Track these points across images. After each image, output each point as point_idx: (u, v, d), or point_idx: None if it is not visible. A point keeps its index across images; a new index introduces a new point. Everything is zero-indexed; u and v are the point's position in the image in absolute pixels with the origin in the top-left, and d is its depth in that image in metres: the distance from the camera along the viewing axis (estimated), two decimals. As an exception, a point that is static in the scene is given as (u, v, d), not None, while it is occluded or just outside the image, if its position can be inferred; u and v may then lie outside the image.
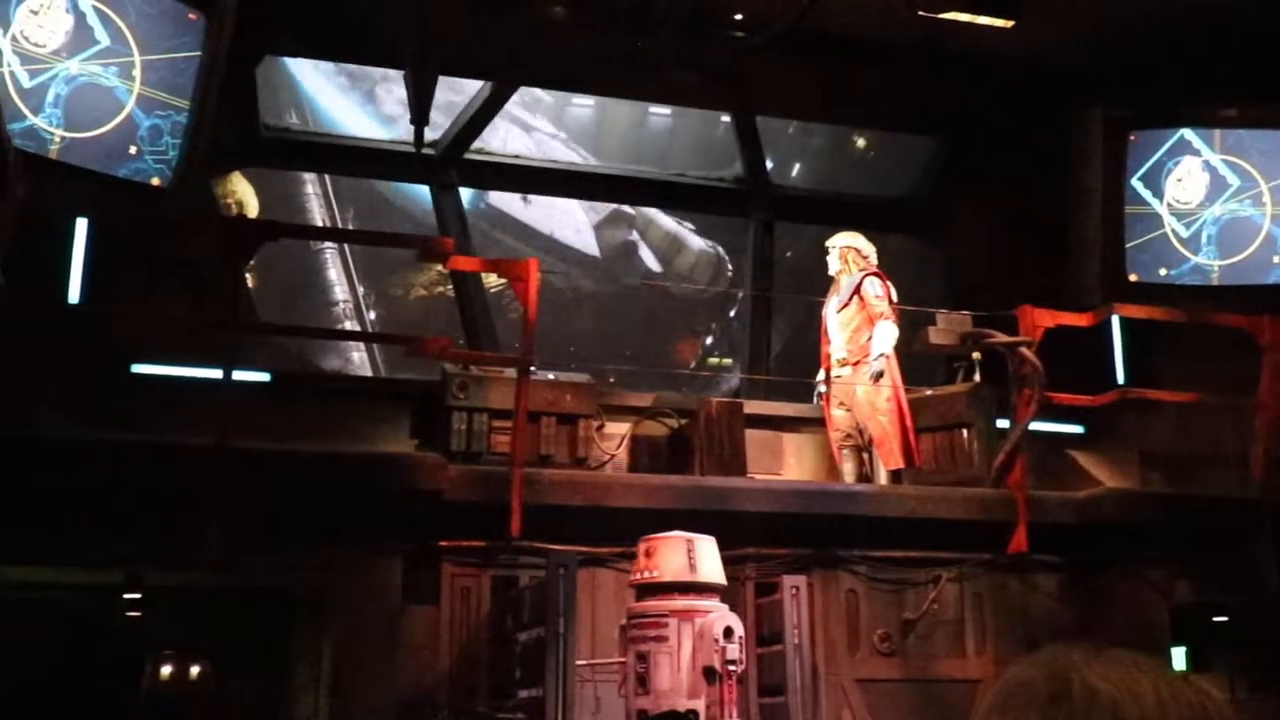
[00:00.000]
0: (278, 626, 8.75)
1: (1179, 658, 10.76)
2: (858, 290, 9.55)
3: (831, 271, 9.88)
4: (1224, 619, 10.78)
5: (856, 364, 9.46)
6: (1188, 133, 10.99)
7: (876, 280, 9.56)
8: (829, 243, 9.97)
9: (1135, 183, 10.91)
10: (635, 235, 18.81)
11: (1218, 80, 10.55)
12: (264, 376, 8.70)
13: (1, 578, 7.77)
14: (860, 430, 9.41)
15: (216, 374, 7.30)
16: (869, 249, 9.84)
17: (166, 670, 10.14)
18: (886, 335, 9.39)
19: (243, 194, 10.60)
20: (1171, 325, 9.96)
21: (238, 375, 7.48)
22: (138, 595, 8.38)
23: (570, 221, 18.42)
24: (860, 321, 9.55)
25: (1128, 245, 10.87)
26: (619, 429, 9.36)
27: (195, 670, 10.24)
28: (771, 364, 11.93)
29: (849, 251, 9.77)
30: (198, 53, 8.51)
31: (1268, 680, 11.09)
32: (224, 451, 6.85)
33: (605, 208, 17.40)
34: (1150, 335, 10.59)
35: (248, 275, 11.25)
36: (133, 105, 8.37)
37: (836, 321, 9.72)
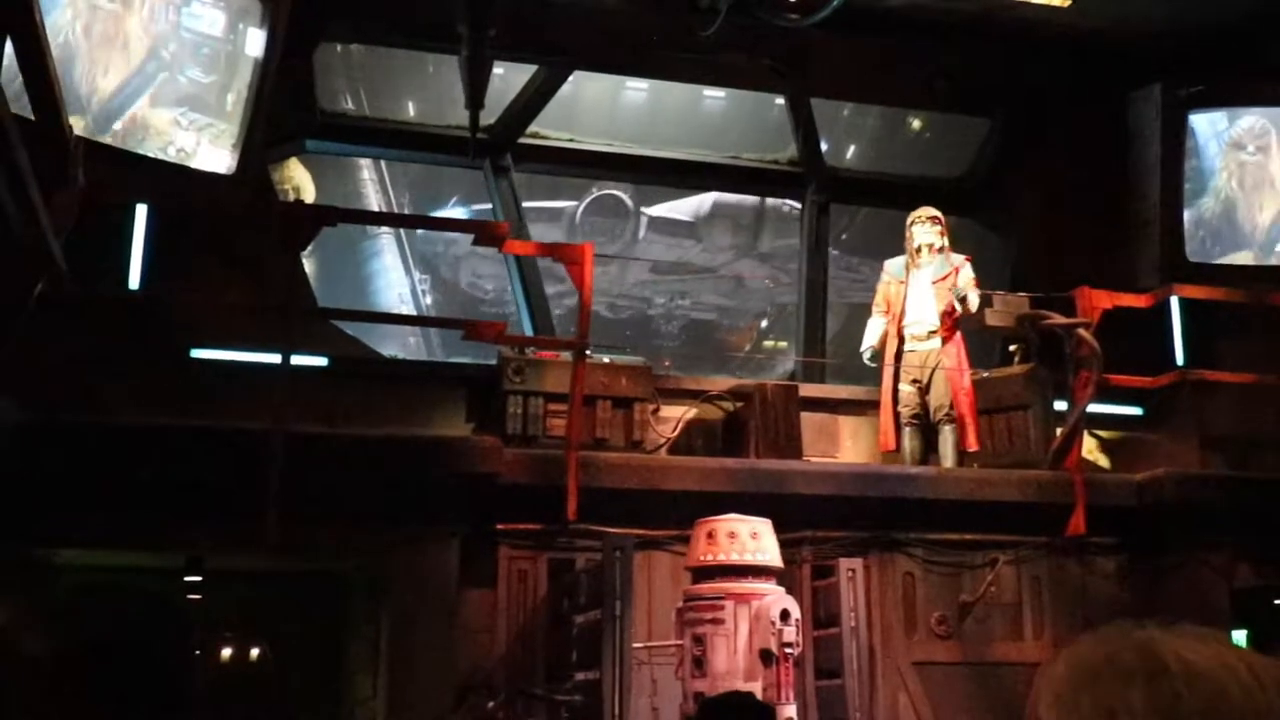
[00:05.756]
0: (336, 609, 8.86)
1: (1240, 641, 10.64)
2: (956, 271, 9.51)
3: (920, 242, 9.66)
4: (1287, 602, 10.64)
5: (945, 339, 9.38)
6: (1247, 112, 10.82)
7: (969, 265, 9.59)
8: (923, 212, 9.77)
9: (1194, 163, 10.75)
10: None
11: (1276, 57, 10.37)
12: (322, 361, 8.78)
13: (64, 561, 7.89)
14: (928, 409, 9.35)
15: (275, 359, 7.38)
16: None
17: (226, 652, 10.28)
18: (974, 305, 9.41)
19: (300, 180, 10.69)
20: (1231, 306, 9.84)
21: (296, 360, 7.56)
22: (199, 578, 8.50)
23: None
24: (950, 299, 9.49)
25: (1186, 226, 10.72)
26: (674, 412, 9.38)
27: (255, 652, 10.38)
28: (827, 346, 11.88)
29: (941, 226, 9.71)
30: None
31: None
32: (282, 435, 6.93)
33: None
34: (1210, 316, 10.44)
35: (305, 261, 11.37)
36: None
37: (930, 292, 9.56)
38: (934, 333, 9.48)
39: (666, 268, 20.44)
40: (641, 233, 20.01)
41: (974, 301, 9.38)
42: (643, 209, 19.65)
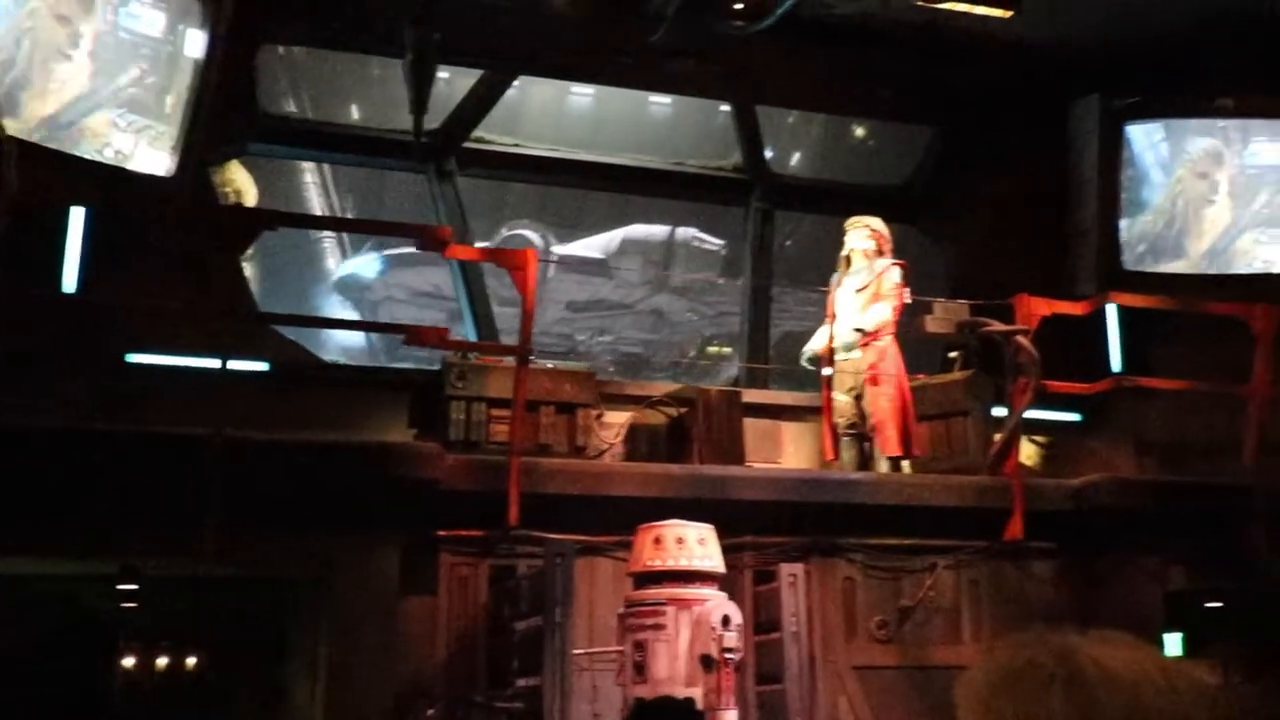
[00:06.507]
0: (275, 616, 8.79)
1: (1173, 643, 10.80)
2: (879, 277, 9.48)
3: (854, 249, 9.65)
4: (1218, 605, 10.81)
5: (865, 345, 9.37)
6: (1183, 123, 11.00)
7: (899, 270, 9.48)
8: (858, 220, 9.73)
9: (1130, 173, 10.92)
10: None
11: (1213, 71, 10.56)
12: (262, 366, 8.71)
13: None
14: (863, 417, 9.38)
15: (214, 363, 7.31)
16: (890, 237, 9.76)
17: (163, 661, 10.18)
18: (878, 316, 9.35)
19: (241, 183, 10.58)
20: (1166, 313, 9.99)
21: (236, 365, 7.48)
22: (135, 586, 8.40)
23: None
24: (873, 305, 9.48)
25: (1126, 236, 10.89)
26: (618, 418, 9.38)
27: (192, 660, 10.28)
28: (771, 353, 11.94)
29: (880, 235, 9.67)
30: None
31: (1261, 665, 11.12)
32: (221, 441, 6.86)
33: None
34: (1145, 323, 10.60)
35: (246, 264, 11.26)
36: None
37: (854, 302, 9.56)
38: (853, 344, 9.45)
39: (582, 305, 20.48)
40: (552, 271, 19.99)
41: (876, 314, 9.33)
42: (553, 247, 19.60)
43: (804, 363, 9.86)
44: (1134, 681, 1.22)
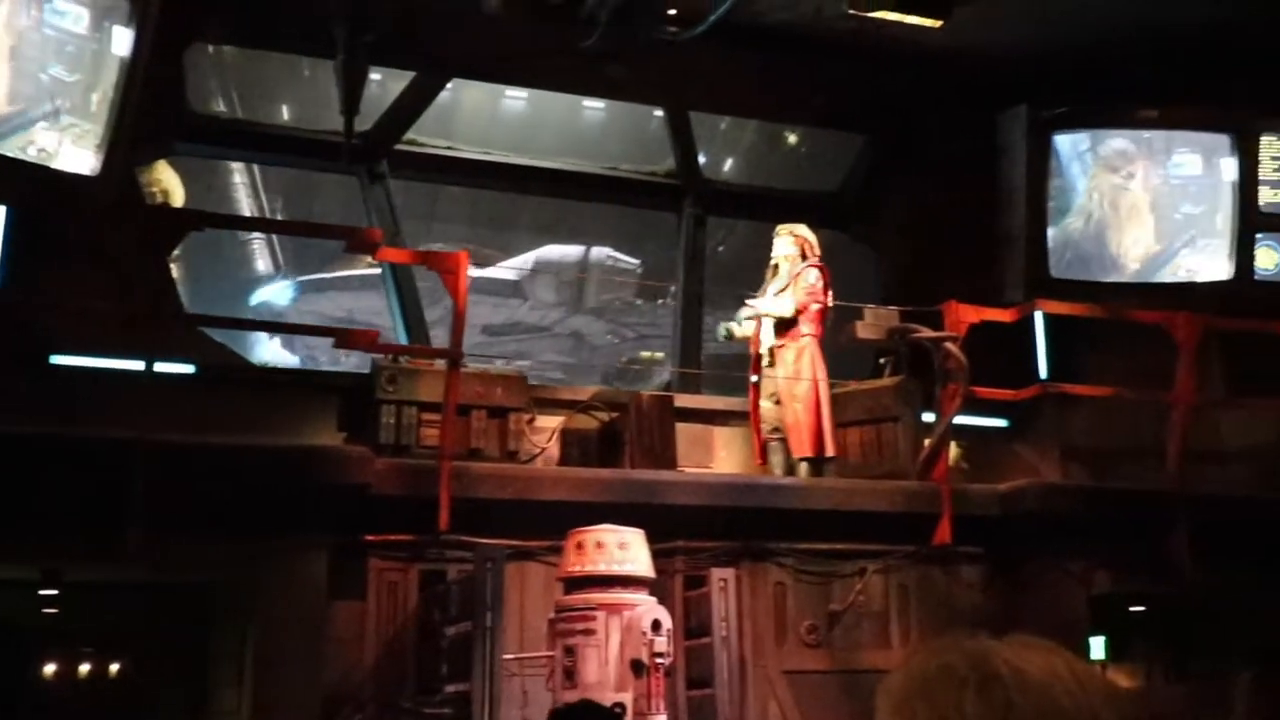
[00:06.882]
0: (201, 622, 8.67)
1: (1098, 646, 10.98)
2: (795, 278, 9.53)
3: (779, 255, 9.69)
4: (1141, 609, 11.01)
5: (782, 347, 9.43)
6: (1109, 134, 11.18)
7: (816, 273, 9.53)
8: (785, 227, 9.78)
9: (1058, 182, 11.08)
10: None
11: (1138, 83, 10.74)
12: (188, 368, 8.59)
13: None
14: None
15: (139, 365, 7.20)
16: (817, 244, 9.81)
17: (85, 667, 10.00)
18: (774, 304, 9.41)
19: (168, 182, 10.42)
20: (1092, 321, 10.14)
21: (162, 367, 7.38)
22: (56, 591, 8.25)
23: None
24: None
25: (1052, 244, 11.04)
26: (550, 423, 9.35)
27: (115, 667, 10.11)
28: (703, 358, 11.96)
29: (804, 241, 9.71)
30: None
31: (1182, 668, 11.34)
32: (145, 444, 6.76)
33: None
34: (1072, 331, 10.76)
35: (173, 265, 11.11)
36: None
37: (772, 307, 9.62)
38: (774, 349, 9.48)
39: (498, 329, 20.44)
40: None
41: (776, 302, 9.37)
42: (470, 271, 19.58)
43: (719, 336, 9.92)
44: (1046, 683, 1.24)
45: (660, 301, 21.04)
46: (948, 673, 1.50)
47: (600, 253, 20.02)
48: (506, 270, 19.95)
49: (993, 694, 1.46)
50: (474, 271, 19.35)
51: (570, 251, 20.17)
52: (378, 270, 19.13)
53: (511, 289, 20.34)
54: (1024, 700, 1.45)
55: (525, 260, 20.22)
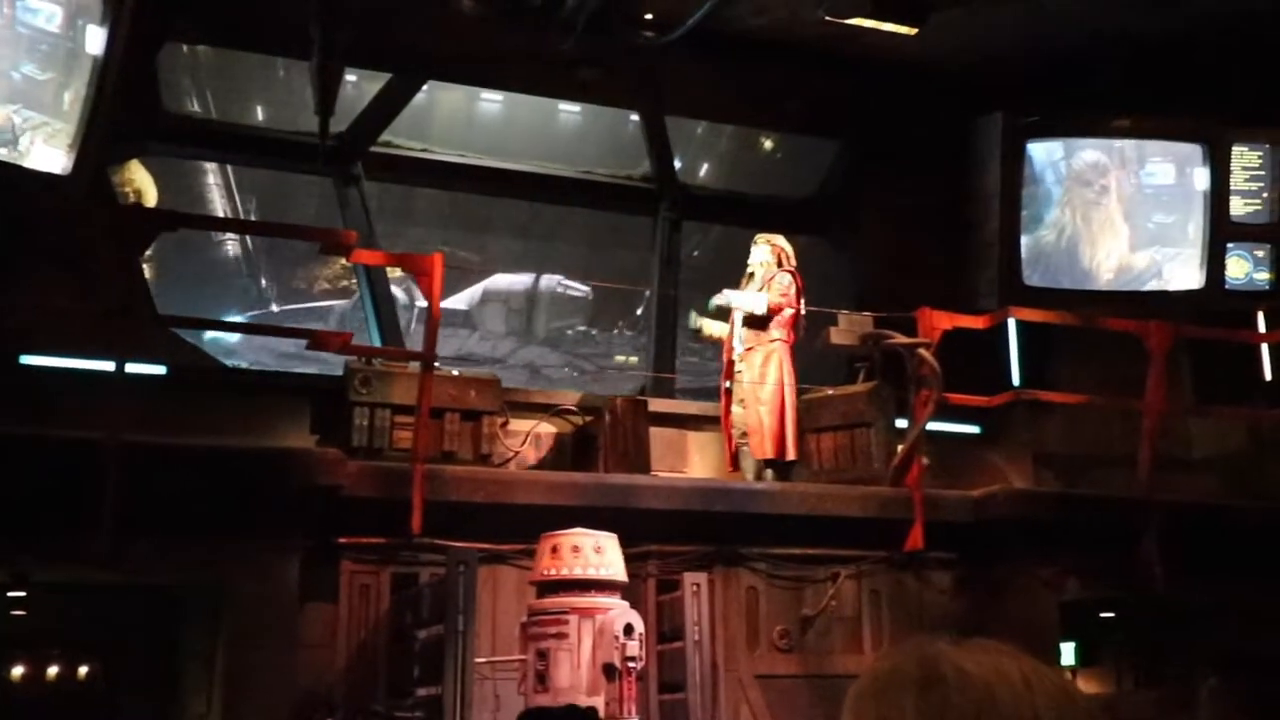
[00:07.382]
0: (172, 625, 8.62)
1: (1068, 652, 11.04)
2: (769, 282, 9.54)
3: (755, 262, 9.67)
4: (1111, 615, 11.07)
5: (751, 350, 9.44)
6: (1082, 144, 11.26)
7: (789, 279, 9.54)
8: (763, 236, 9.77)
9: (1031, 189, 11.15)
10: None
11: (1111, 92, 10.82)
12: (160, 369, 8.54)
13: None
14: None
15: (110, 366, 7.15)
16: (793, 254, 9.81)
17: (54, 670, 9.93)
18: (748, 298, 9.42)
19: (141, 182, 10.39)
20: (1065, 328, 10.19)
21: (133, 368, 7.33)
22: (24, 593, 8.19)
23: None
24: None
25: (1026, 252, 11.10)
26: (524, 426, 9.34)
27: (84, 670, 10.04)
28: (678, 362, 11.98)
29: (780, 250, 9.71)
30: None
31: (1151, 674, 11.41)
32: (116, 445, 6.71)
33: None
34: (1044, 338, 10.82)
35: (145, 265, 11.05)
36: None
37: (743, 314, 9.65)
38: (744, 356, 9.48)
39: (449, 360, 20.38)
40: (413, 325, 19.88)
41: (747, 297, 9.39)
42: (417, 302, 19.49)
43: (690, 325, 9.93)
44: (989, 684, 1.26)
45: (616, 330, 21.17)
46: (897, 674, 1.55)
47: (550, 281, 20.10)
48: (455, 300, 19.93)
49: (933, 695, 1.50)
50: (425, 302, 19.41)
51: (519, 281, 20.29)
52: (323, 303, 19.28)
53: (461, 318, 20.33)
54: (963, 700, 1.49)
55: (474, 292, 20.30)
